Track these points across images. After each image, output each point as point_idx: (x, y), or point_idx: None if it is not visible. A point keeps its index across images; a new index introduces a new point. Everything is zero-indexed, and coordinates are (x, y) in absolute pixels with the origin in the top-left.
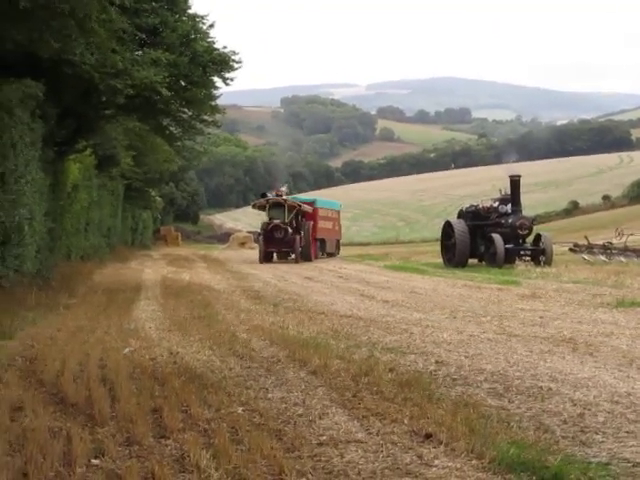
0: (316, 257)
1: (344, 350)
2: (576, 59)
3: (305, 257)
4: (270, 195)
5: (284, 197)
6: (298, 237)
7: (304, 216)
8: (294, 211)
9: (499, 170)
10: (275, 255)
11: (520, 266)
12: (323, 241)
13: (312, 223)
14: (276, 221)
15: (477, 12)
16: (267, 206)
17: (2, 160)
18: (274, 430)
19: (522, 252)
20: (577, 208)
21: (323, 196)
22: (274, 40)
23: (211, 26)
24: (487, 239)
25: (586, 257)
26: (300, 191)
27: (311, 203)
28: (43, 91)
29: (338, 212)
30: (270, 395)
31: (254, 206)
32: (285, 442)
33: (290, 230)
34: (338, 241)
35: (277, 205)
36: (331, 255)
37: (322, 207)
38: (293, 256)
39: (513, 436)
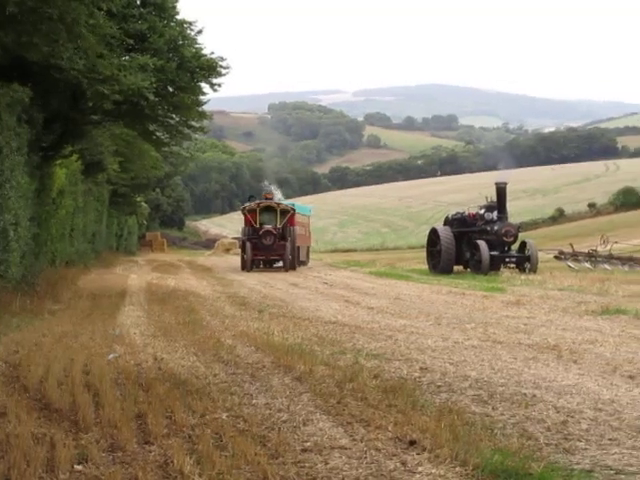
0: None
1: (329, 356)
2: (563, 66)
3: (291, 265)
4: (257, 199)
5: (276, 201)
6: (288, 244)
7: (288, 222)
8: (287, 216)
9: (485, 177)
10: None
11: (505, 273)
12: (297, 248)
13: (295, 229)
14: (267, 226)
15: (464, 19)
16: (257, 210)
17: None
18: (258, 436)
19: (507, 259)
20: (563, 215)
21: (309, 202)
22: (262, 46)
23: (199, 32)
24: (473, 246)
25: (571, 264)
26: (287, 197)
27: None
28: (30, 96)
29: (309, 217)
30: (255, 401)
31: (244, 209)
32: (269, 448)
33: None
34: (308, 248)
35: (268, 209)
36: (303, 264)
37: (298, 212)
38: (262, 265)
39: (497, 443)
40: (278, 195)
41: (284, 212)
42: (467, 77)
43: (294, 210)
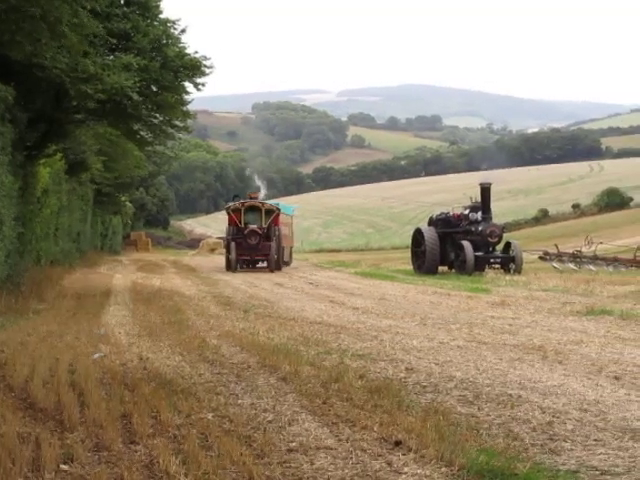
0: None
1: (314, 356)
2: (546, 67)
3: (277, 265)
4: (242, 198)
5: (260, 200)
6: (273, 244)
7: (273, 221)
8: (272, 216)
9: (470, 177)
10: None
11: (490, 274)
12: (282, 249)
13: (280, 229)
14: (252, 226)
15: (449, 19)
16: (242, 210)
17: None
18: (244, 436)
19: (492, 260)
20: (547, 216)
21: (294, 203)
22: (246, 46)
23: (183, 31)
24: (457, 246)
25: (556, 265)
26: (271, 197)
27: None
28: (13, 95)
29: (291, 217)
30: (240, 401)
31: (228, 209)
32: (255, 448)
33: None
34: (291, 248)
35: (253, 209)
36: (285, 264)
37: (282, 213)
38: (244, 265)
39: (482, 443)
40: (262, 194)
41: (269, 212)
42: (451, 77)
43: (279, 210)
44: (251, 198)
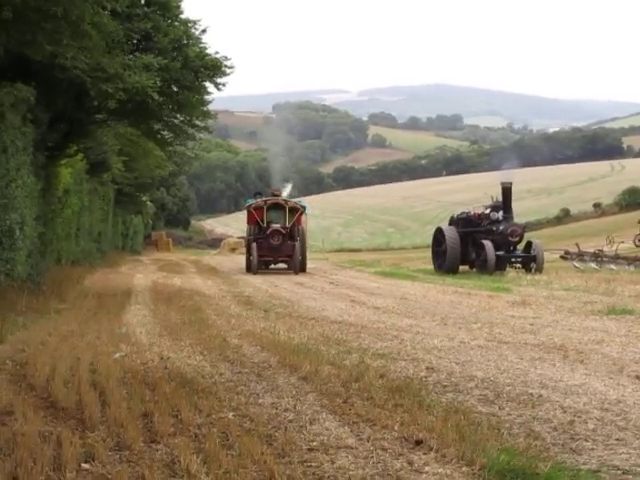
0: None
1: (335, 356)
2: (568, 66)
3: (301, 267)
4: (264, 196)
5: (284, 198)
6: (297, 245)
7: (297, 221)
8: (296, 214)
9: (491, 177)
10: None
11: (511, 273)
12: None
13: (304, 229)
14: (275, 225)
15: (469, 19)
16: (265, 208)
17: None
18: (265, 435)
19: (513, 259)
20: (568, 215)
21: (314, 202)
22: (267, 46)
23: (203, 31)
24: (478, 246)
25: (577, 264)
26: (291, 197)
27: None
28: (35, 95)
29: (306, 216)
30: (261, 400)
31: (249, 207)
32: (276, 447)
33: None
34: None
35: (276, 207)
36: None
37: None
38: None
39: (503, 443)
40: (286, 193)
41: (293, 210)
42: (471, 77)
43: (303, 208)
44: (274, 195)
